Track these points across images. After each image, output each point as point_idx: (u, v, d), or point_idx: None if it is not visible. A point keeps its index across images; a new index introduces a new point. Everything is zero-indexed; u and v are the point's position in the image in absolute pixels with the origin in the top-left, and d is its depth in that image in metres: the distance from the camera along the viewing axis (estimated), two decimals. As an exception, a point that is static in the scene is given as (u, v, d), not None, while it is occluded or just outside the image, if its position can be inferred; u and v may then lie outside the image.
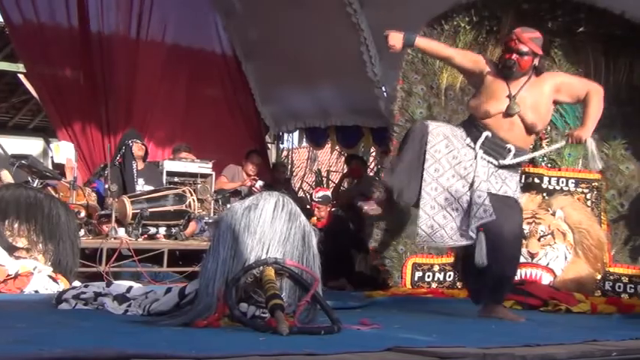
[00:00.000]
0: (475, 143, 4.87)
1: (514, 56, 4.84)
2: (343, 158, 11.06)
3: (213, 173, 8.69)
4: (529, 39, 4.85)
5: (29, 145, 12.94)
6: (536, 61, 4.90)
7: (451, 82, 7.02)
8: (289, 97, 10.87)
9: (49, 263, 5.92)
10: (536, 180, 6.83)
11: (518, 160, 4.94)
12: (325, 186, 11.17)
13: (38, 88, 10.00)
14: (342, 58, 9.28)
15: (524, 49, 4.83)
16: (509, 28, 6.80)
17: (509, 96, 4.84)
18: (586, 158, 6.87)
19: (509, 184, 4.89)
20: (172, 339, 3.49)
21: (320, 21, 9.26)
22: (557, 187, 6.87)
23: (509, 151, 4.84)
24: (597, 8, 6.53)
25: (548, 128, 6.87)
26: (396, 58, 7.35)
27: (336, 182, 10.39)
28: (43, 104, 10.21)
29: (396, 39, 5.01)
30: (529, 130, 4.90)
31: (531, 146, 5.38)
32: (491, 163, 4.85)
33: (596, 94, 4.97)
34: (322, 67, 9.62)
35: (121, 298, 4.59)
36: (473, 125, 4.97)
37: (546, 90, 4.92)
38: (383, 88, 9.23)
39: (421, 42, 5.19)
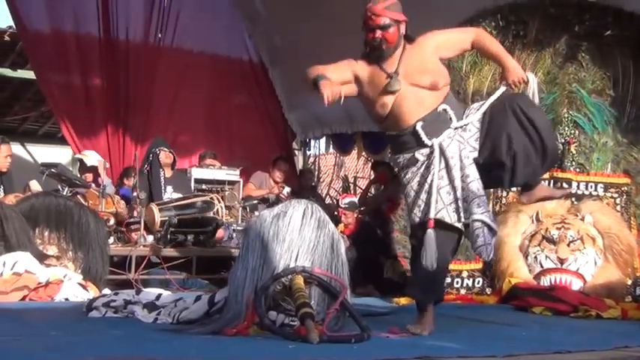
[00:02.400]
0: (414, 150, 4.42)
1: (378, 33, 4.41)
2: (370, 164, 11.05)
3: (241, 180, 8.72)
4: (384, 9, 4.41)
5: (58, 154, 13.01)
6: (402, 29, 4.47)
7: (478, 87, 6.99)
8: (316, 103, 10.79)
9: (79, 271, 5.98)
10: (565, 185, 6.78)
11: (467, 119, 4.44)
12: (352, 192, 11.14)
13: (65, 97, 9.97)
14: (369, 64, 9.25)
15: (384, 21, 4.40)
16: (536, 32, 6.81)
17: (388, 76, 4.40)
18: (614, 162, 6.86)
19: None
20: (202, 347, 3.51)
21: (345, 26, 9.21)
22: (586, 192, 6.82)
23: (445, 111, 4.40)
24: (624, 12, 6.49)
25: (577, 132, 6.84)
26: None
27: (363, 188, 10.37)
28: (58, 113, 10.12)
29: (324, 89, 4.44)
30: (434, 89, 4.40)
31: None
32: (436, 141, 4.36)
33: (483, 35, 4.63)
34: (348, 73, 9.60)
35: (151, 306, 4.62)
36: (392, 138, 4.55)
37: (426, 52, 4.46)
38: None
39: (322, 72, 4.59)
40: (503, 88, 4.52)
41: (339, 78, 4.54)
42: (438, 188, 4.30)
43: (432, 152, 4.35)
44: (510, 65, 4.42)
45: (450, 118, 4.40)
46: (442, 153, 4.33)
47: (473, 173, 4.31)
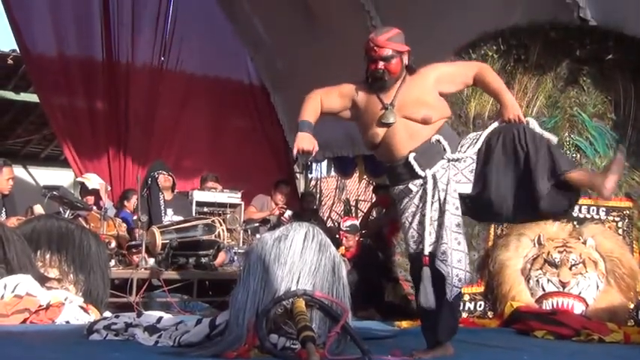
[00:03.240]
0: (408, 182, 4.38)
1: (380, 64, 4.36)
2: (371, 187, 11.05)
3: (242, 203, 8.72)
4: (387, 40, 4.36)
5: (60, 177, 13.02)
6: (405, 59, 4.41)
7: (479, 111, 6.99)
8: (317, 126, 10.82)
9: (80, 294, 5.98)
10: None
11: (458, 154, 4.35)
12: (354, 215, 11.13)
13: (67, 120, 10.00)
14: (370, 88, 9.30)
15: (387, 52, 4.34)
16: (537, 56, 6.83)
17: (384, 107, 4.35)
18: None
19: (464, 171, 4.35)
20: (203, 370, 3.50)
21: (347, 51, 9.28)
22: (588, 216, 6.80)
23: (439, 141, 4.32)
24: (625, 36, 6.51)
25: (578, 156, 6.84)
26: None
27: (365, 211, 10.36)
28: (60, 136, 10.15)
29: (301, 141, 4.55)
30: (426, 124, 4.33)
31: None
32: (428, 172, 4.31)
33: (485, 70, 4.53)
34: (350, 96, 9.64)
35: (152, 329, 4.61)
36: (387, 169, 4.49)
37: (427, 84, 4.40)
38: (410, 118, 9.22)
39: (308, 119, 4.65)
40: (496, 124, 4.43)
41: (335, 102, 4.58)
42: (432, 220, 4.25)
43: (425, 183, 4.31)
44: (509, 103, 4.34)
45: (444, 149, 4.34)
46: (435, 184, 4.29)
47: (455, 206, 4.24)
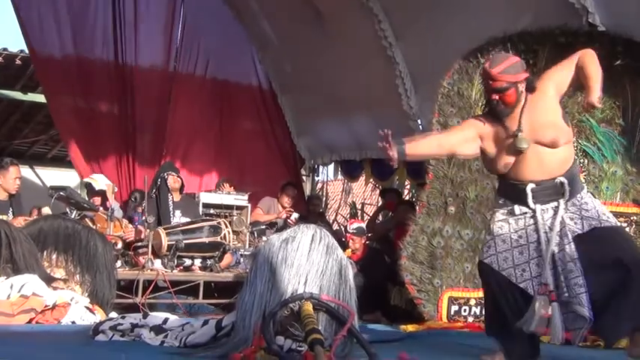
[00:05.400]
0: (515, 203, 4.40)
1: (495, 96, 4.33)
2: (378, 191, 11.05)
3: (249, 205, 8.72)
4: (500, 74, 4.29)
5: (67, 177, 13.04)
6: (521, 87, 4.35)
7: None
8: (324, 129, 10.93)
9: (86, 294, 5.96)
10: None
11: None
12: (360, 218, 11.13)
13: (76, 120, 10.05)
14: (378, 91, 9.32)
15: (501, 85, 4.30)
16: (546, 61, 6.81)
17: (512, 135, 4.33)
18: (623, 191, 6.83)
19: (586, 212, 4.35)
20: (209, 371, 3.50)
21: (355, 54, 9.31)
22: (596, 221, 6.78)
23: (562, 184, 4.33)
24: (634, 42, 6.50)
25: (586, 162, 6.83)
26: (431, 92, 7.37)
27: (371, 215, 10.36)
28: (65, 137, 10.20)
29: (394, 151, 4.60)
30: (554, 147, 4.33)
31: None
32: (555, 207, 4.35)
33: (586, 55, 4.47)
34: (357, 99, 9.67)
35: (158, 330, 4.61)
36: (508, 186, 4.48)
37: (550, 101, 4.38)
38: (419, 121, 9.24)
39: (410, 149, 4.62)
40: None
41: (461, 139, 4.54)
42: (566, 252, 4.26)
43: (533, 216, 4.35)
44: (594, 90, 4.29)
45: (564, 193, 4.33)
46: (544, 222, 4.32)
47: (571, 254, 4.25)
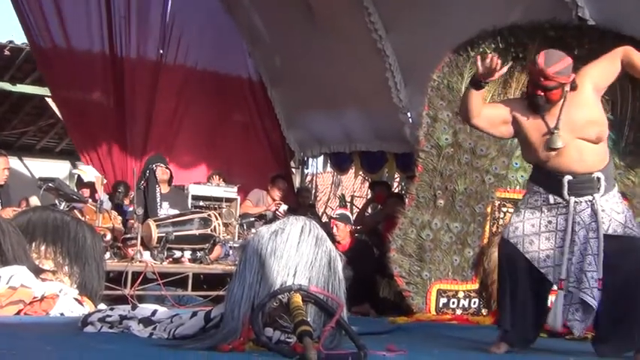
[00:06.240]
0: (550, 192, 4.43)
1: (541, 92, 4.31)
2: (367, 183, 11.07)
3: (239, 197, 8.72)
4: (555, 74, 4.24)
5: (56, 168, 13.04)
6: (567, 87, 4.32)
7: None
8: (314, 122, 10.93)
9: (75, 286, 5.95)
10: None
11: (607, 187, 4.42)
12: (349, 211, 11.18)
13: (64, 112, 10.15)
14: (368, 84, 9.32)
15: (551, 85, 4.27)
16: (536, 55, 6.80)
17: (550, 132, 4.34)
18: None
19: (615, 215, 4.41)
20: (197, 363, 3.50)
21: (346, 47, 9.31)
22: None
23: (598, 180, 4.37)
24: (624, 36, 6.50)
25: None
26: (421, 84, 7.38)
27: (361, 208, 10.38)
28: (69, 128, 10.36)
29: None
30: (599, 142, 4.39)
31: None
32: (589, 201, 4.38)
33: (629, 51, 4.46)
34: (347, 92, 9.68)
35: (147, 322, 4.60)
36: (544, 175, 4.49)
37: (589, 97, 4.39)
38: (408, 114, 9.26)
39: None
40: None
41: (494, 114, 4.54)
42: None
43: (566, 206, 4.39)
44: None
45: (599, 188, 4.37)
46: (575, 213, 4.36)
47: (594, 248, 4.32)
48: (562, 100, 4.35)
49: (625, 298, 4.28)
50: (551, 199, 4.43)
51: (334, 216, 7.99)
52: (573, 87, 4.36)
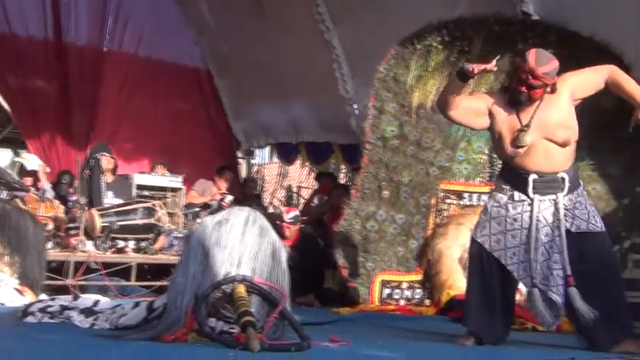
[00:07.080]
0: (516, 190, 4.50)
1: (524, 89, 4.39)
2: (313, 174, 11.08)
3: (184, 187, 8.65)
4: (543, 74, 4.34)
5: (-3, 157, 12.79)
6: (548, 88, 4.44)
7: (422, 101, 7.06)
8: (261, 112, 10.91)
9: (16, 276, 5.87)
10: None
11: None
12: (295, 202, 11.17)
13: (8, 99, 9.99)
14: (315, 75, 9.34)
15: (537, 84, 4.37)
16: (480, 48, 6.89)
17: (521, 129, 4.43)
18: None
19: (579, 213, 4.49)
20: (139, 353, 3.48)
21: (293, 38, 9.30)
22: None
23: (563, 179, 4.46)
24: (568, 31, 6.60)
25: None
26: (367, 76, 7.40)
27: (307, 198, 10.39)
28: (14, 115, 10.20)
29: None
30: (565, 146, 4.47)
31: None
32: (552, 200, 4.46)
33: (616, 72, 4.54)
34: (294, 83, 9.67)
35: (88, 312, 4.56)
36: (512, 172, 4.57)
37: (564, 102, 4.48)
38: (354, 106, 9.28)
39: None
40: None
41: (471, 106, 4.59)
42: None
43: (530, 204, 4.45)
44: None
45: (563, 188, 4.45)
46: (539, 211, 4.43)
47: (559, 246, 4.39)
48: (539, 100, 4.45)
49: (598, 291, 4.34)
50: (516, 195, 4.50)
51: (288, 220, 7.92)
52: (553, 89, 4.45)
